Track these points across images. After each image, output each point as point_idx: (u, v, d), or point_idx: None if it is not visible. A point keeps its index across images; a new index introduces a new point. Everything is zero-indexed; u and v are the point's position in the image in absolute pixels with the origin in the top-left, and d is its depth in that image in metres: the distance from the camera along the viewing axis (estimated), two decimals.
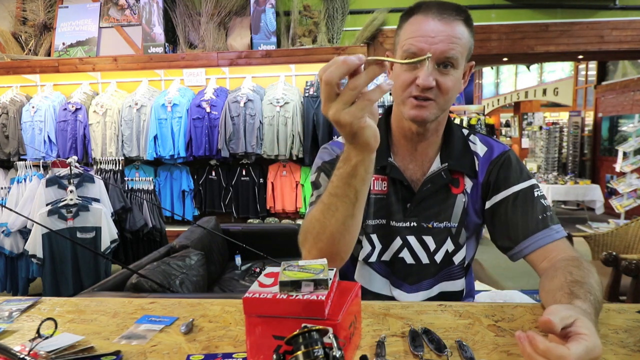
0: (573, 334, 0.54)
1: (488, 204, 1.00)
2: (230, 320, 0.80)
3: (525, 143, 9.31)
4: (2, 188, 3.44)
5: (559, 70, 9.90)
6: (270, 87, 4.18)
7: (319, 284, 0.57)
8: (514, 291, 2.64)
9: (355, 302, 0.65)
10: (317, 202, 0.80)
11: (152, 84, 4.42)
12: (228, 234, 3.14)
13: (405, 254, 1.02)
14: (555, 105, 10.38)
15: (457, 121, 3.48)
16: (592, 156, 7.65)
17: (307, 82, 4.11)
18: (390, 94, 1.40)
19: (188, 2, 4.30)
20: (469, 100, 9.43)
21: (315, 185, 1.00)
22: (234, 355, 0.66)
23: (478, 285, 3.05)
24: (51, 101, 4.23)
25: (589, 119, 7.80)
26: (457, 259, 1.02)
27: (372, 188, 1.01)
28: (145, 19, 4.27)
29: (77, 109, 4.13)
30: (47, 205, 2.87)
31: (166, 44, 4.25)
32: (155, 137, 4.06)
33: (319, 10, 4.21)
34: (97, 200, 3.06)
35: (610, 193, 6.11)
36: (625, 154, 5.58)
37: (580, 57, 4.99)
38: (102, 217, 2.94)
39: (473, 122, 5.49)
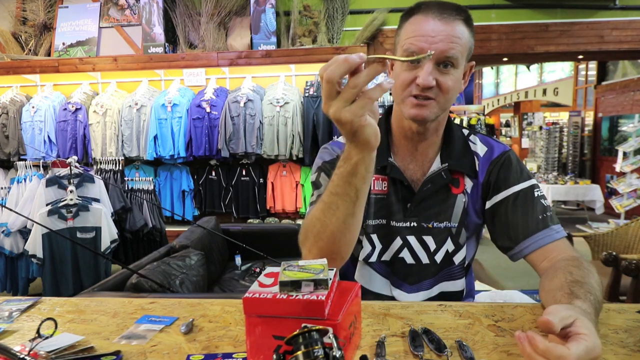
0: (573, 334, 0.54)
1: (488, 204, 1.00)
2: (230, 320, 0.80)
3: (525, 143, 9.31)
4: (2, 188, 3.44)
5: (559, 70, 9.91)
6: (270, 87, 4.18)
7: (319, 284, 0.57)
8: (514, 291, 2.64)
9: (355, 302, 0.65)
10: (317, 201, 0.80)
11: (152, 84, 4.42)
12: (228, 234, 3.14)
13: (405, 254, 1.02)
14: (555, 105, 10.39)
15: (457, 121, 3.49)
16: (592, 156, 7.65)
17: (307, 82, 4.11)
18: (391, 94, 1.40)
19: (188, 2, 4.30)
20: (469, 100, 9.43)
21: (316, 184, 1.00)
22: (234, 355, 0.66)
23: (478, 285, 3.05)
24: (51, 101, 4.23)
25: (589, 119, 7.80)
26: (457, 259, 1.02)
27: (372, 188, 1.01)
28: (145, 19, 4.28)
29: (77, 109, 4.13)
30: (47, 205, 2.87)
31: (166, 44, 4.25)
32: (155, 137, 4.06)
33: (319, 10, 4.21)
34: (97, 200, 3.06)
35: (610, 193, 6.11)
36: (625, 154, 5.58)
37: (580, 57, 5.00)
38: (102, 217, 2.94)
39: (473, 122, 5.50)
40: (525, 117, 10.05)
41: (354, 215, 0.74)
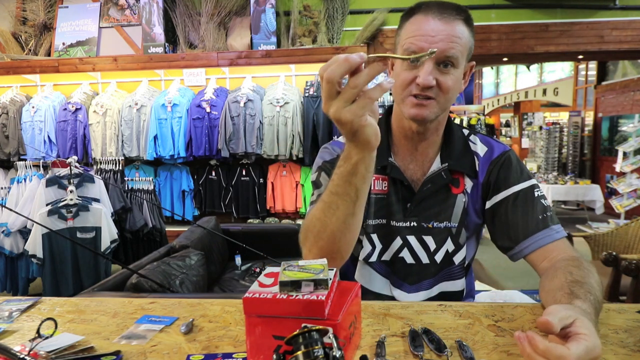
0: (573, 334, 0.54)
1: (488, 204, 1.00)
2: (230, 320, 0.80)
3: (525, 143, 9.31)
4: (2, 188, 3.44)
5: (559, 70, 9.91)
6: (270, 87, 4.19)
7: (319, 284, 0.57)
8: (514, 291, 2.64)
9: (355, 302, 0.65)
10: (317, 201, 0.80)
11: (152, 84, 4.42)
12: (228, 234, 3.14)
13: (405, 254, 1.02)
14: (555, 105, 10.38)
15: (457, 121, 3.48)
16: (592, 156, 7.65)
17: (307, 82, 4.11)
18: (391, 94, 1.40)
19: (188, 2, 4.30)
20: (469, 100, 9.43)
21: (316, 184, 1.00)
22: (234, 355, 0.66)
23: (478, 285, 3.05)
24: (51, 101, 4.24)
25: (589, 119, 7.80)
26: (457, 259, 1.02)
27: (372, 188, 1.01)
28: (145, 19, 4.28)
29: (77, 109, 4.13)
30: (47, 205, 2.87)
31: (166, 44, 4.25)
32: (155, 137, 4.06)
33: (319, 10, 4.21)
34: (97, 200, 3.06)
35: (610, 193, 6.11)
36: (625, 154, 5.58)
37: (580, 57, 5.00)
38: (102, 217, 2.94)
39: (473, 122, 5.50)
40: (525, 117, 10.05)
41: (354, 214, 0.74)
